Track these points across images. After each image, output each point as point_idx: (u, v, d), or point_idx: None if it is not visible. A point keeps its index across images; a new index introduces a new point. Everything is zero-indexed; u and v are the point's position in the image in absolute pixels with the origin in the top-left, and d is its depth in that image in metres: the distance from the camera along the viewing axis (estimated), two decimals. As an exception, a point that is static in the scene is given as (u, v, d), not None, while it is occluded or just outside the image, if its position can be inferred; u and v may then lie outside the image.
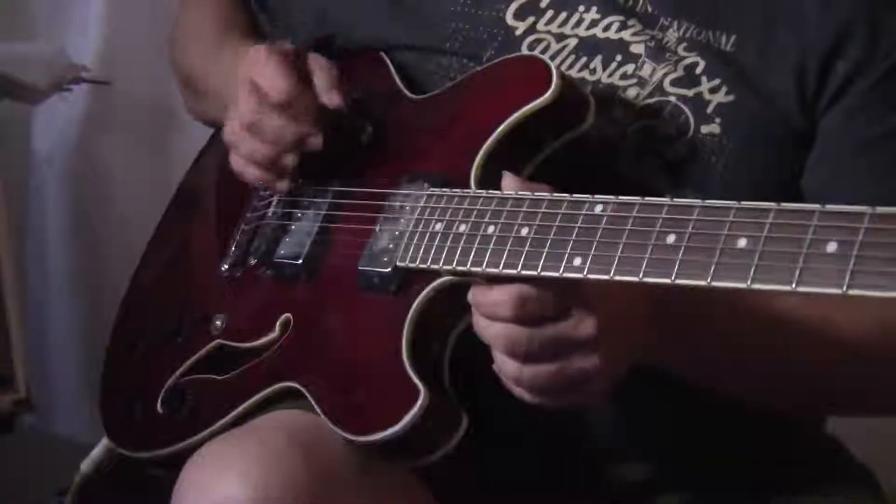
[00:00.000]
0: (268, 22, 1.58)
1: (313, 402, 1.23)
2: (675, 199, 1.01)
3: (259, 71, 1.34)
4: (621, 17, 1.34)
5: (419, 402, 1.15)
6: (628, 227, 1.01)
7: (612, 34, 1.34)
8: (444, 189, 1.24)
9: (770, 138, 1.29)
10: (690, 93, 1.30)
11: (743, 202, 0.97)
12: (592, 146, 1.27)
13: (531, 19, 1.37)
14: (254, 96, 1.33)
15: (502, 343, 1.11)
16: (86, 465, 1.56)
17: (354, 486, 1.19)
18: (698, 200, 1.00)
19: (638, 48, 1.33)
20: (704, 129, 1.29)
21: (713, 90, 1.30)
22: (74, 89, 2.06)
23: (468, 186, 1.24)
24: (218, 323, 1.39)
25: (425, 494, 1.25)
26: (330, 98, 1.35)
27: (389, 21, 1.45)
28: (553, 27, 1.36)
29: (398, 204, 1.27)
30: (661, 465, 1.32)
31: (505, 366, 1.13)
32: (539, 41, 1.36)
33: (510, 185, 1.15)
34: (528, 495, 1.33)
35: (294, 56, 1.37)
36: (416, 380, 1.17)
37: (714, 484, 1.32)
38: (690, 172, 1.29)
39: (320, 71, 1.36)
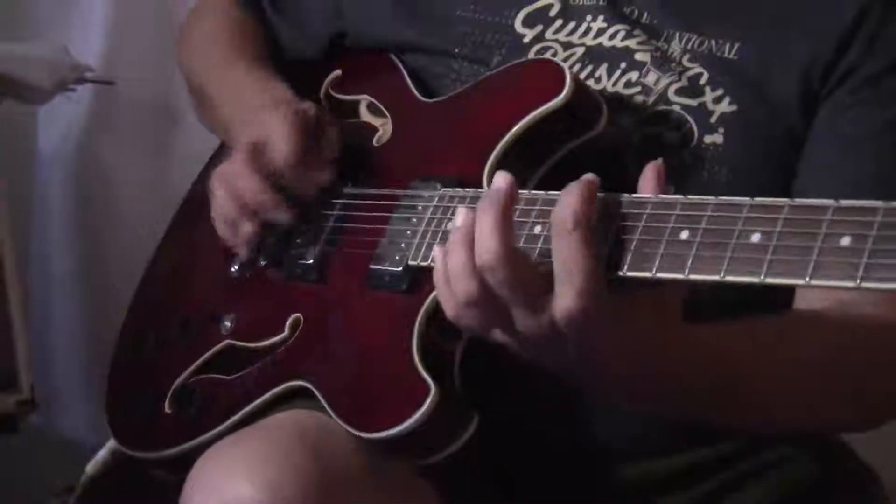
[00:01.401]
0: (282, 23, 1.58)
1: (323, 400, 1.24)
2: (688, 196, 1.01)
3: (271, 133, 1.35)
4: (626, 27, 1.35)
5: (430, 399, 1.15)
6: (642, 223, 1.01)
7: (617, 42, 1.35)
8: (456, 189, 1.24)
9: (773, 147, 1.30)
10: (694, 102, 1.31)
11: (756, 199, 0.97)
12: (597, 153, 1.28)
13: (539, 27, 1.38)
14: (249, 153, 1.34)
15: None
16: (91, 468, 1.56)
17: (363, 486, 1.19)
18: (711, 197, 1.00)
19: (643, 56, 1.34)
20: (708, 138, 1.30)
21: (717, 100, 1.31)
22: (78, 89, 2.05)
23: (480, 187, 1.24)
24: (227, 324, 1.40)
25: (431, 494, 1.25)
26: (311, 181, 1.35)
27: (400, 22, 1.46)
28: (561, 36, 1.37)
29: (411, 204, 1.28)
30: (661, 465, 1.32)
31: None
32: (546, 49, 1.37)
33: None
34: (530, 495, 1.34)
35: (313, 121, 1.37)
36: (426, 377, 1.17)
37: (714, 484, 1.33)
38: (694, 181, 1.29)
39: (322, 150, 1.37)
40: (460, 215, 1.07)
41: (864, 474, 1.39)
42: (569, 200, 1.02)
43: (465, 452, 1.19)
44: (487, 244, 1.03)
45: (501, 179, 1.06)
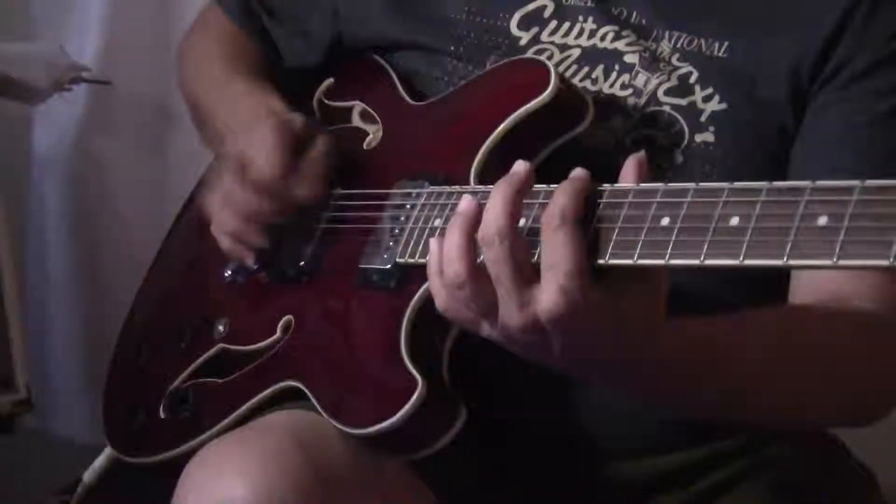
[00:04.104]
0: (281, 32, 1.58)
1: (313, 398, 1.24)
2: (669, 184, 1.01)
3: (256, 146, 1.35)
4: (615, 28, 1.36)
5: (417, 393, 1.15)
6: (623, 211, 1.02)
7: (608, 44, 1.35)
8: (444, 187, 1.25)
9: (764, 145, 1.30)
10: (684, 102, 1.31)
11: (735, 183, 0.97)
12: (589, 155, 1.28)
13: (535, 29, 1.39)
14: (237, 169, 1.35)
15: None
16: (88, 476, 1.56)
17: (356, 485, 1.18)
18: (691, 184, 1.00)
19: (632, 58, 1.34)
20: (699, 137, 1.31)
21: (706, 98, 1.31)
22: (74, 89, 2.06)
23: (468, 185, 1.25)
24: (220, 328, 1.40)
25: (426, 493, 1.25)
26: (302, 190, 1.35)
27: (395, 20, 1.47)
28: (556, 38, 1.38)
29: (399, 203, 1.28)
30: (660, 462, 1.32)
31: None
32: (542, 51, 1.38)
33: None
34: (528, 494, 1.34)
35: (299, 134, 1.38)
36: (413, 371, 1.17)
37: (712, 482, 1.32)
38: (686, 181, 1.28)
39: (311, 160, 1.37)
40: (463, 202, 1.08)
41: (861, 474, 1.39)
42: (558, 197, 1.03)
43: (459, 450, 1.19)
44: (495, 217, 1.04)
45: (521, 165, 1.07)
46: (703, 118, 1.31)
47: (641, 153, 1.06)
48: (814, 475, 1.34)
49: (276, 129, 1.36)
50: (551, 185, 1.08)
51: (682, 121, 1.31)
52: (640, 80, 1.33)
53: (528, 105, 1.26)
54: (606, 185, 1.04)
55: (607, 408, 1.27)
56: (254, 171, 1.34)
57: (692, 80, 1.32)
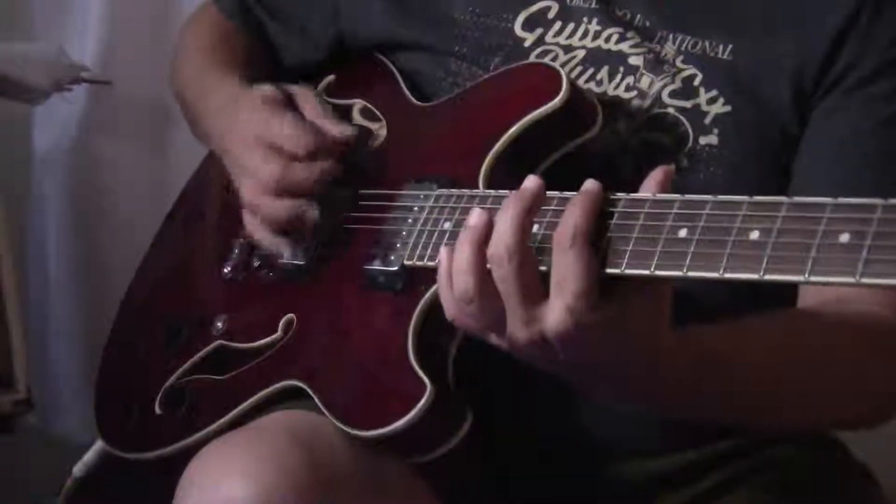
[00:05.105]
0: (280, 30, 1.58)
1: (317, 399, 1.24)
2: (686, 195, 1.01)
3: (274, 132, 1.34)
4: (620, 30, 1.35)
5: (425, 397, 1.16)
6: (640, 221, 1.01)
7: (612, 46, 1.35)
8: (452, 190, 1.24)
9: (768, 147, 1.31)
10: (688, 104, 1.32)
11: (755, 197, 0.97)
12: (593, 157, 1.28)
13: (539, 31, 1.38)
14: (274, 156, 1.33)
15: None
16: (78, 469, 1.56)
17: (358, 486, 1.19)
18: (710, 196, 1.00)
19: (636, 60, 1.34)
20: (703, 140, 1.31)
21: (711, 101, 1.31)
22: (74, 89, 2.06)
23: (476, 188, 1.25)
24: (219, 325, 1.40)
25: (428, 494, 1.25)
26: (342, 131, 1.36)
27: (398, 21, 1.46)
28: (561, 39, 1.38)
29: (406, 205, 1.28)
30: (661, 463, 1.32)
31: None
32: (547, 52, 1.37)
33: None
34: (530, 495, 1.34)
35: (284, 97, 1.38)
36: (422, 375, 1.17)
37: (713, 484, 1.33)
38: (690, 183, 1.29)
39: (315, 108, 1.37)
40: (474, 215, 1.07)
41: (861, 475, 1.40)
42: (571, 213, 1.03)
43: (461, 451, 1.19)
44: (504, 235, 1.04)
45: (532, 182, 1.07)
46: (707, 120, 1.31)
47: (671, 167, 1.06)
48: (815, 476, 1.35)
49: (265, 102, 1.36)
50: (565, 193, 1.08)
51: (686, 123, 1.31)
52: (644, 83, 1.33)
53: (539, 110, 1.26)
54: (622, 195, 1.04)
55: (609, 409, 1.26)
56: (286, 142, 1.33)
57: (696, 82, 1.32)
